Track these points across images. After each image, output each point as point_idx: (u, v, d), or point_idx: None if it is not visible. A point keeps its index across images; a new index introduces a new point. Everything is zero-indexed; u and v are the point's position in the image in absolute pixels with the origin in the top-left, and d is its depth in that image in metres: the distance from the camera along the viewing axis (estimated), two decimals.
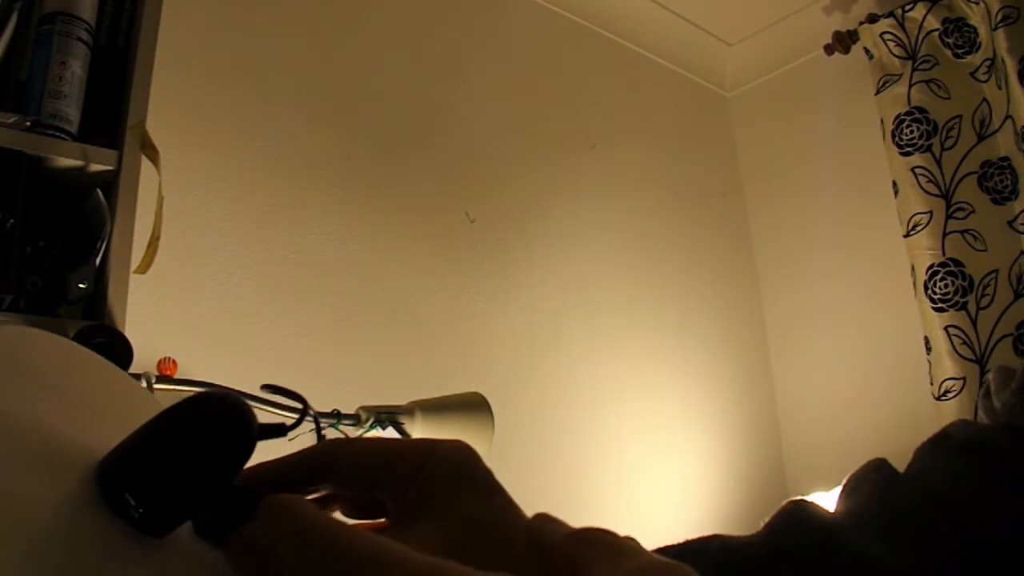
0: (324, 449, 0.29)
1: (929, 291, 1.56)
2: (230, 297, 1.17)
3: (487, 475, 0.29)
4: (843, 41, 1.82)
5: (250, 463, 0.28)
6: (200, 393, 0.27)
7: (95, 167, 0.79)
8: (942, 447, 0.33)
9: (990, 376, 0.37)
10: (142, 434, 0.26)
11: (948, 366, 1.50)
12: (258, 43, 1.31)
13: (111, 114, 0.84)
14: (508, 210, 1.58)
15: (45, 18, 0.81)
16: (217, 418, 0.26)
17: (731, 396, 1.87)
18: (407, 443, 0.29)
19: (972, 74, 1.64)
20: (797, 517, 0.29)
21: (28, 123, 0.75)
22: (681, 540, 0.29)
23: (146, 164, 0.82)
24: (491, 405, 0.93)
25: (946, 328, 1.52)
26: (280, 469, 0.29)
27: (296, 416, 0.71)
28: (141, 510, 0.24)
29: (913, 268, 1.60)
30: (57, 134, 0.78)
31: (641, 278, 1.78)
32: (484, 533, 0.26)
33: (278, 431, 0.28)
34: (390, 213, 1.40)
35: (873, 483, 0.31)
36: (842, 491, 0.33)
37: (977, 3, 1.60)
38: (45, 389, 0.30)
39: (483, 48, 1.67)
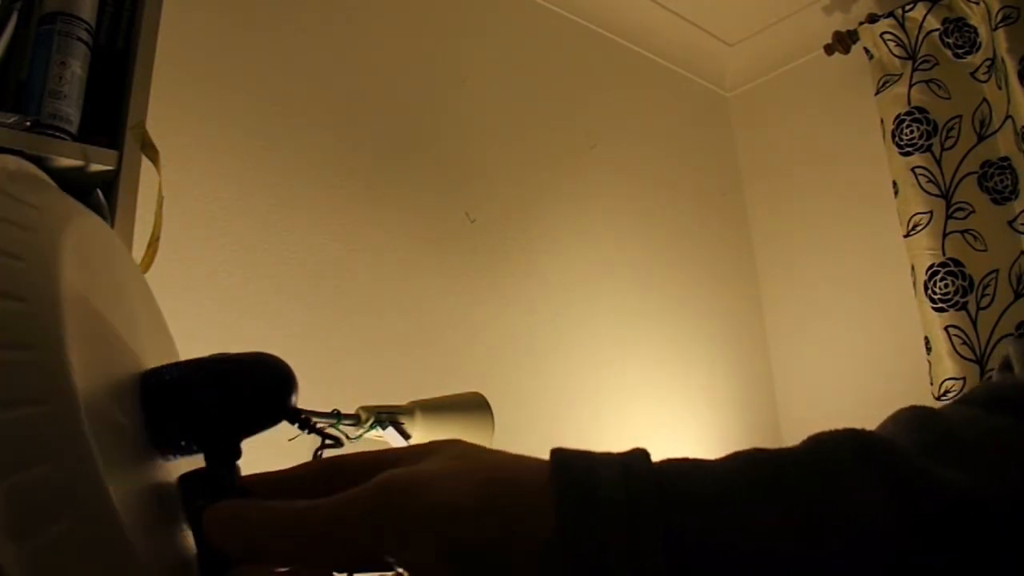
0: (328, 460, 0.31)
1: (929, 291, 1.56)
2: (230, 297, 1.17)
3: (469, 445, 0.30)
4: (843, 41, 1.82)
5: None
6: (260, 353, 0.31)
7: (95, 167, 0.79)
8: (968, 404, 0.32)
9: (1010, 348, 0.36)
10: (191, 364, 0.30)
11: (948, 366, 1.50)
12: (258, 43, 1.31)
13: (111, 114, 0.84)
14: (508, 210, 1.58)
15: (45, 18, 0.80)
16: (259, 377, 0.30)
17: (731, 396, 1.87)
18: (396, 448, 0.31)
19: (972, 74, 1.64)
20: (842, 432, 0.27)
21: (28, 123, 0.75)
22: None
23: (146, 164, 0.82)
24: (491, 405, 0.93)
25: (946, 328, 1.52)
26: (283, 478, 0.30)
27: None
28: (155, 425, 0.28)
29: (913, 268, 1.60)
30: (57, 134, 0.78)
31: (641, 278, 1.78)
32: (455, 456, 0.28)
33: (305, 423, 0.32)
34: (390, 213, 1.40)
35: (910, 420, 0.30)
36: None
37: (977, 3, 1.60)
38: (127, 290, 0.35)
39: (483, 48, 1.67)
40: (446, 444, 0.30)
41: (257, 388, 0.29)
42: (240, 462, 0.30)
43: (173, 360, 0.32)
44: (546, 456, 0.29)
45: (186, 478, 0.29)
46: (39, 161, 0.76)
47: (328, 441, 0.41)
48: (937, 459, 0.26)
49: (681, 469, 0.26)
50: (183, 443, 0.29)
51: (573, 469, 0.26)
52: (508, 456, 0.29)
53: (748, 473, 0.25)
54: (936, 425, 0.29)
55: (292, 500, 0.27)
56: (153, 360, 0.31)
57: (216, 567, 0.27)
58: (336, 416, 0.89)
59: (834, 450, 0.26)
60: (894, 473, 0.25)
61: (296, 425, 0.32)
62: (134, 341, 0.32)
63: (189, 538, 0.28)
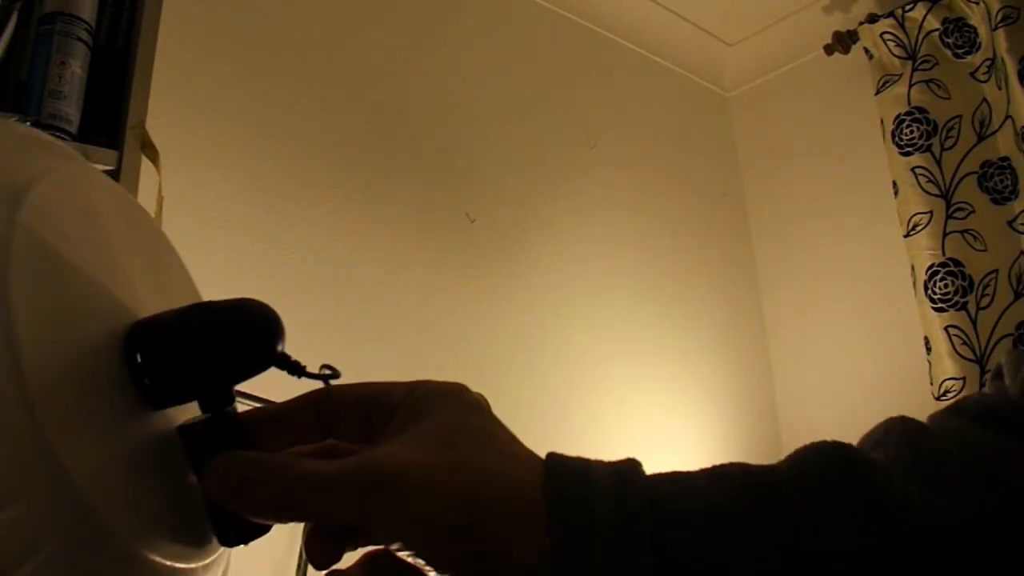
0: (321, 391, 0.31)
1: (929, 291, 1.56)
2: (230, 297, 1.17)
3: (473, 400, 0.30)
4: (843, 41, 1.82)
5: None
6: (246, 299, 0.31)
7: (95, 167, 0.79)
8: (958, 415, 0.32)
9: (1003, 359, 0.36)
10: (177, 313, 0.29)
11: (948, 366, 1.50)
12: (258, 43, 1.31)
13: (111, 114, 0.84)
14: (508, 210, 1.58)
15: (45, 18, 0.81)
16: (246, 323, 0.30)
17: (731, 396, 1.87)
18: (398, 382, 0.31)
19: (972, 74, 1.64)
20: (828, 450, 0.27)
21: (28, 123, 0.75)
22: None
23: (146, 164, 0.82)
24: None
25: (946, 328, 1.52)
26: (280, 410, 0.31)
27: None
28: (148, 376, 0.28)
29: (913, 268, 1.60)
30: (57, 134, 0.78)
31: (641, 278, 1.78)
32: (449, 435, 0.27)
33: (294, 367, 0.31)
34: (390, 213, 1.40)
35: (900, 434, 0.30)
36: (861, 445, 0.31)
37: (977, 3, 1.60)
38: (119, 241, 0.33)
39: (483, 48, 1.67)
40: (448, 399, 0.29)
41: (246, 333, 0.29)
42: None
43: (190, 302, 0.32)
44: (546, 442, 0.28)
45: (184, 429, 0.29)
46: None
47: (326, 374, 0.40)
48: (923, 484, 0.26)
49: (671, 487, 0.26)
50: (176, 393, 0.29)
51: (567, 488, 0.25)
52: (503, 454, 0.28)
53: (734, 498, 0.25)
54: (925, 443, 0.29)
55: (286, 460, 0.27)
56: (157, 308, 0.31)
57: (223, 512, 0.28)
58: None
59: (821, 475, 0.26)
60: (879, 503, 0.25)
61: (286, 370, 0.32)
62: (127, 293, 0.31)
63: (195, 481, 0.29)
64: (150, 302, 0.31)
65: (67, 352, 0.25)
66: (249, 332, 0.30)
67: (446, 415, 0.28)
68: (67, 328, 0.26)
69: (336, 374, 0.32)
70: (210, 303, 0.30)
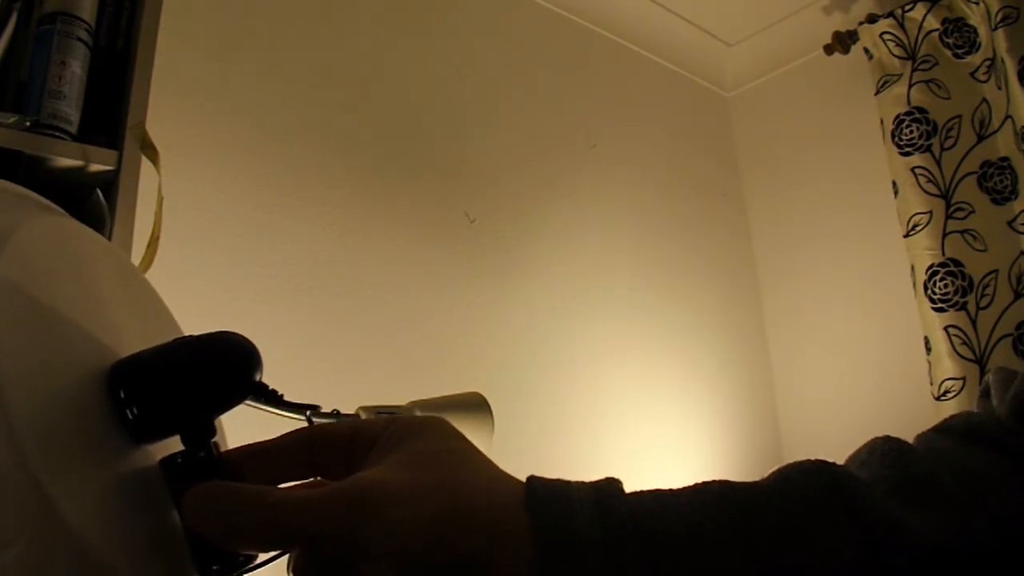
0: (307, 428, 0.32)
1: (929, 291, 1.56)
2: (229, 297, 1.17)
3: (451, 429, 0.30)
4: (843, 41, 1.82)
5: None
6: (223, 332, 0.31)
7: (95, 167, 0.79)
8: (945, 435, 0.32)
9: (990, 377, 0.36)
10: (156, 351, 0.30)
11: (948, 366, 1.50)
12: (259, 42, 1.31)
13: (111, 114, 0.84)
14: (508, 210, 1.58)
15: (45, 18, 0.80)
16: (220, 356, 0.30)
17: (731, 396, 1.87)
18: (376, 418, 0.31)
19: (972, 74, 1.64)
20: (811, 468, 0.27)
21: (28, 123, 0.75)
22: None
23: (146, 164, 0.82)
24: (489, 403, 0.93)
25: (946, 328, 1.52)
26: (265, 447, 0.31)
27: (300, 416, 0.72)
28: (130, 411, 0.29)
29: (913, 268, 1.60)
30: (57, 134, 0.78)
31: (641, 277, 1.78)
32: (429, 457, 0.28)
33: (272, 396, 0.32)
34: (390, 213, 1.40)
35: (884, 454, 0.30)
36: (846, 465, 0.31)
37: (977, 3, 1.61)
38: (96, 289, 0.35)
39: (482, 48, 1.67)
40: (427, 428, 0.30)
41: (221, 366, 0.30)
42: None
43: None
44: (531, 449, 0.29)
45: (165, 462, 0.30)
46: (39, 161, 0.77)
47: (307, 413, 0.41)
48: (906, 502, 0.26)
49: (652, 506, 0.26)
50: (158, 428, 0.29)
51: (549, 502, 0.25)
52: (482, 473, 0.28)
53: (716, 514, 0.25)
54: (909, 463, 0.29)
55: (268, 488, 0.27)
56: (141, 347, 0.32)
57: (203, 542, 0.28)
58: (335, 416, 0.89)
59: (801, 491, 0.26)
60: (861, 519, 0.25)
61: (263, 400, 0.32)
62: (111, 335, 0.32)
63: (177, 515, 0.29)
64: (135, 344, 0.32)
65: (54, 397, 0.26)
66: (223, 364, 0.30)
67: (425, 441, 0.29)
68: (52, 373, 0.27)
69: (316, 408, 0.33)
70: (187, 338, 0.31)
